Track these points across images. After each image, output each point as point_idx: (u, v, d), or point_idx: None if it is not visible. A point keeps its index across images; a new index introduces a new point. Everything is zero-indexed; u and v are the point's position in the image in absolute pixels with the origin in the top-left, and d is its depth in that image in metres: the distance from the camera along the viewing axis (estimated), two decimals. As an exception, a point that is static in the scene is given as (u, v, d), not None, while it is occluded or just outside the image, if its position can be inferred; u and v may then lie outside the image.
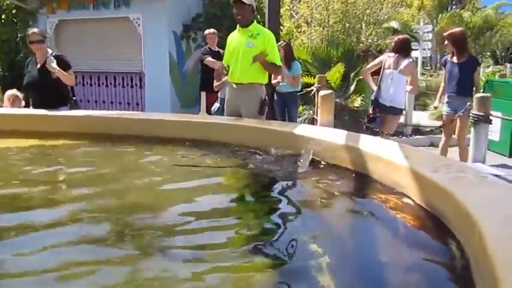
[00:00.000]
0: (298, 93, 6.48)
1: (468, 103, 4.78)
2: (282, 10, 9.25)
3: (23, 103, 5.01)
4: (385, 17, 10.66)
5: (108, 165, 2.97)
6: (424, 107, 10.94)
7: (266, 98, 4.01)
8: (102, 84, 9.73)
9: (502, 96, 6.15)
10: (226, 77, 4.21)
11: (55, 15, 9.49)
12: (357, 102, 7.65)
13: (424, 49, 20.30)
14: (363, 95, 7.85)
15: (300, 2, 10.96)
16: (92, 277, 1.49)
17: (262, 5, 8.61)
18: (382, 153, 2.38)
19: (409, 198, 2.07)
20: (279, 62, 3.99)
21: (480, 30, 17.73)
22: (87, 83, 9.74)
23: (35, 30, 4.41)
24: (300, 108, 7.55)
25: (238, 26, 3.94)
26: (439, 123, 6.41)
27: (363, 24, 9.87)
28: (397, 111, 5.09)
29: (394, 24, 14.72)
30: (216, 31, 6.42)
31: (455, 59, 5.08)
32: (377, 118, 5.03)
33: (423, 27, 19.22)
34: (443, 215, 1.77)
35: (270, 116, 5.50)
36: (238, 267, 1.57)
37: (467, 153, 4.95)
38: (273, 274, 1.52)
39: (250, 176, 2.69)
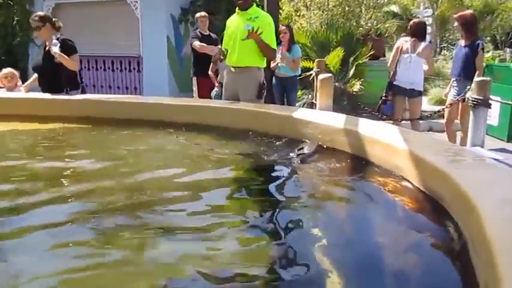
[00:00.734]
0: (298, 78, 6.45)
1: (467, 87, 4.76)
2: (281, -7, 9.16)
3: (20, 82, 5.01)
4: (385, 0, 10.56)
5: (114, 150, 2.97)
6: (424, 92, 10.88)
7: (264, 82, 3.99)
8: (100, 68, 9.67)
9: (501, 81, 6.13)
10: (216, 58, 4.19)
11: (52, -2, 9.39)
12: (356, 86, 7.63)
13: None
14: (362, 80, 7.83)
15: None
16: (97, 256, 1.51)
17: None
18: (381, 136, 2.38)
19: (408, 181, 2.08)
20: (274, 46, 3.94)
21: (480, 15, 17.53)
22: (84, 67, 9.66)
23: (35, 16, 4.33)
24: (299, 92, 7.52)
25: (237, 9, 3.90)
26: (437, 108, 6.39)
27: (363, 8, 9.77)
28: (418, 94, 5.23)
29: (394, 8, 14.60)
30: (206, 14, 6.32)
31: (462, 42, 5.06)
32: (387, 101, 5.17)
33: (423, 11, 19.03)
34: (442, 198, 1.78)
35: (269, 101, 5.48)
36: (237, 251, 1.58)
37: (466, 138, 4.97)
38: (272, 257, 1.53)
39: (248, 160, 2.69)
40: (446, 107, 5.21)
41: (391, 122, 4.93)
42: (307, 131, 2.90)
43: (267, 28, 3.81)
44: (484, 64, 7.23)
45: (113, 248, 1.59)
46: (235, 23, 3.91)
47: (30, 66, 9.27)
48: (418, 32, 5.09)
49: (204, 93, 5.95)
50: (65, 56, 4.11)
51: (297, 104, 6.80)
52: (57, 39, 4.19)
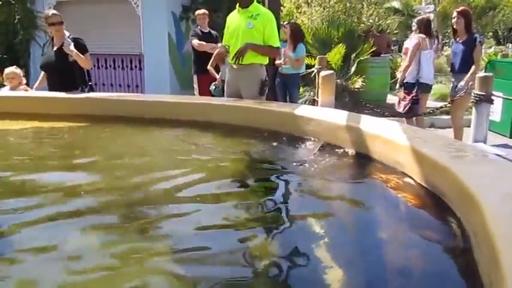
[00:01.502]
0: (300, 75, 6.44)
1: (461, 84, 4.80)
2: (282, -10, 9.14)
3: (24, 80, 5.02)
4: (387, -4, 10.52)
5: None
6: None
7: (266, 78, 3.98)
8: (102, 66, 9.66)
9: (503, 77, 6.11)
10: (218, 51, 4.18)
11: (53, -4, 9.39)
12: (358, 83, 7.61)
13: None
14: (363, 76, 7.81)
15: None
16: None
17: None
18: (383, 133, 2.37)
19: (410, 177, 2.08)
20: (276, 43, 3.89)
21: (483, 10, 17.51)
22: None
23: (54, 11, 4.38)
24: (301, 89, 7.51)
25: (238, 6, 3.89)
26: (439, 104, 6.38)
27: (364, 4, 9.72)
28: (430, 89, 5.53)
29: (395, 4, 14.56)
30: (206, 11, 6.30)
31: (459, 38, 5.06)
32: (419, 100, 5.26)
33: (425, 7, 18.97)
34: (444, 194, 1.78)
35: (271, 97, 5.47)
36: (238, 246, 1.58)
37: (461, 134, 4.97)
38: (274, 253, 1.53)
39: (250, 157, 2.69)
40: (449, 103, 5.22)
41: (393, 118, 4.92)
42: (309, 128, 2.90)
43: (268, 25, 3.79)
44: (486, 60, 7.21)
45: (113, 248, 1.59)
46: (236, 20, 3.89)
47: (32, 64, 9.41)
48: (429, 29, 5.32)
49: (205, 91, 5.93)
50: (81, 55, 4.13)
51: (299, 101, 6.79)
52: (69, 37, 4.20)
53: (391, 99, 8.11)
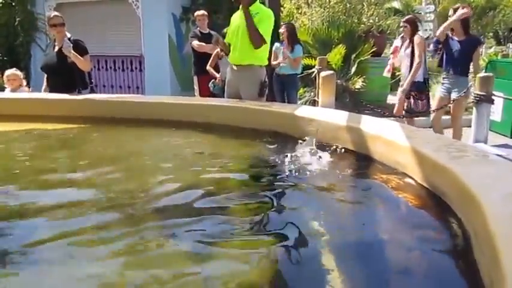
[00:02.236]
0: (299, 76, 6.44)
1: (470, 83, 4.76)
2: (282, -9, 9.14)
3: (25, 82, 5.02)
4: (387, -3, 10.53)
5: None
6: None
7: (266, 79, 3.99)
8: (102, 68, 9.67)
9: (504, 77, 6.11)
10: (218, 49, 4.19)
11: (53, -2, 9.40)
12: (358, 83, 7.61)
13: (426, 30, 20.08)
14: (364, 77, 7.81)
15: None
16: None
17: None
18: (383, 133, 2.37)
19: (411, 177, 2.07)
20: (266, 38, 3.83)
21: (483, 10, 17.51)
22: (87, 67, 9.68)
23: (56, 13, 4.43)
24: (301, 90, 7.51)
25: (240, 6, 3.89)
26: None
27: (364, 5, 9.73)
28: None
29: (395, 4, 14.55)
30: (205, 13, 6.30)
31: (456, 37, 5.02)
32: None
33: (425, 7, 18.97)
34: (445, 194, 1.77)
35: (269, 99, 5.47)
36: (239, 244, 1.57)
37: (460, 135, 4.94)
38: (274, 252, 1.53)
39: (251, 157, 2.68)
40: (446, 105, 5.17)
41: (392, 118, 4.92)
42: (310, 128, 2.89)
43: (265, 21, 3.78)
44: (487, 60, 7.20)
45: (112, 248, 1.59)
46: (238, 19, 3.91)
47: (32, 66, 9.41)
48: (417, 28, 5.27)
49: (206, 92, 5.94)
50: (80, 57, 4.13)
51: (299, 102, 6.79)
52: (69, 39, 4.21)
53: (391, 99, 8.10)
